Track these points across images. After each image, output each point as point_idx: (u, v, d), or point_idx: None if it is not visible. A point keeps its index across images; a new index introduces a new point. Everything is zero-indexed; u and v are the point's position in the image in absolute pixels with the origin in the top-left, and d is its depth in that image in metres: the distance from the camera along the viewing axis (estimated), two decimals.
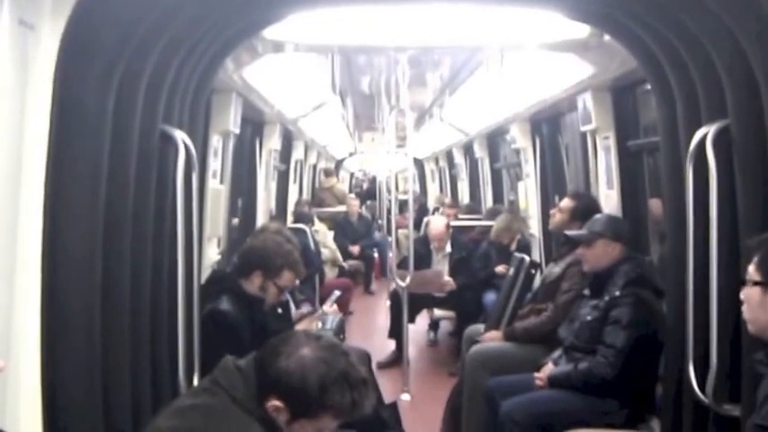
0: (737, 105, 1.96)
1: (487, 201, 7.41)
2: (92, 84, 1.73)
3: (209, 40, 2.26)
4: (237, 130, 3.82)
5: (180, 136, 2.24)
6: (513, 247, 5.14)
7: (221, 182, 3.81)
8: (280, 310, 3.25)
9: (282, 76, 3.85)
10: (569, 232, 3.10)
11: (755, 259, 1.63)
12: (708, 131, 2.08)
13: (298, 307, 3.90)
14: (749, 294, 1.66)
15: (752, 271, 1.64)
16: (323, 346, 1.61)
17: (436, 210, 9.09)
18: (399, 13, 2.89)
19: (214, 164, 3.64)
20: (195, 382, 2.36)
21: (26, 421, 1.62)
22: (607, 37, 2.64)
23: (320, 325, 3.29)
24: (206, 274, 3.22)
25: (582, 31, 2.76)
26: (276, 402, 1.55)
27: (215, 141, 3.60)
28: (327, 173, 10.65)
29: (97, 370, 1.80)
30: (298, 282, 3.75)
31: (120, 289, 1.94)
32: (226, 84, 3.41)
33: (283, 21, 2.52)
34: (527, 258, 3.96)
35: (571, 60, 3.16)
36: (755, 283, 1.63)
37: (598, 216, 3.09)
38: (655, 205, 3.50)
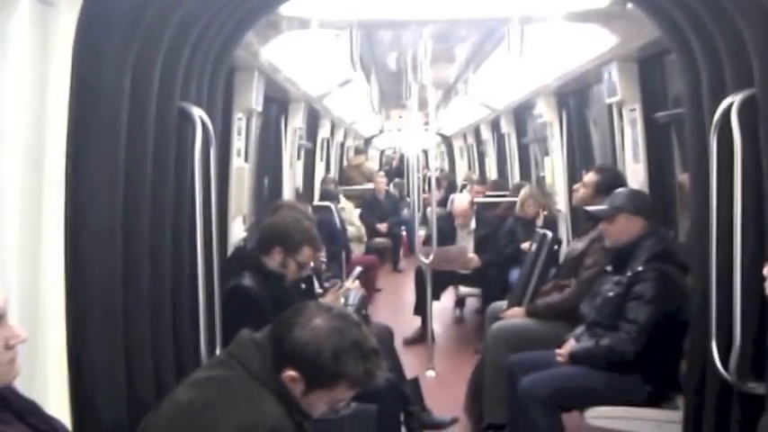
0: (764, 74, 1.88)
1: (515, 176, 7.33)
2: (109, 59, 1.74)
3: (225, 16, 2.26)
4: (260, 109, 3.84)
5: (197, 113, 2.25)
6: (540, 222, 5.10)
7: (246, 160, 3.84)
8: (303, 286, 3.28)
9: (304, 53, 3.84)
10: (589, 207, 3.05)
11: None
12: (733, 101, 2.01)
13: (322, 284, 3.93)
14: None
15: None
16: (335, 315, 1.64)
17: (464, 186, 9.04)
18: None
19: (238, 142, 3.67)
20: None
21: (53, 391, 1.67)
22: (630, 5, 2.56)
23: (342, 300, 3.32)
24: (232, 250, 3.27)
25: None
26: (292, 373, 1.58)
27: (238, 120, 3.63)
28: (358, 151, 10.67)
29: (120, 342, 1.84)
30: (324, 258, 3.78)
31: (140, 264, 1.97)
32: (248, 62, 3.42)
33: None
34: (549, 234, 3.92)
35: (595, 31, 3.09)
36: None
37: (620, 190, 3.02)
38: (686, 180, 3.42)
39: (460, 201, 5.59)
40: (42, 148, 1.63)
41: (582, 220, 3.77)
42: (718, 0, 1.92)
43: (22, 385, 1.39)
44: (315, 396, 1.61)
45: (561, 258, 3.92)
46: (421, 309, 5.11)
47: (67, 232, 1.70)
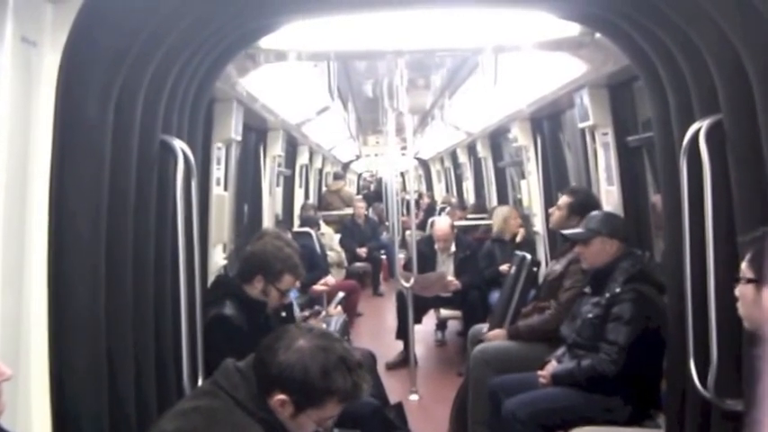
0: (729, 100, 1.95)
1: (492, 199, 7.42)
2: (92, 97, 1.77)
3: (205, 51, 2.30)
4: (239, 138, 3.86)
5: (179, 145, 2.27)
6: (518, 241, 5.17)
7: (225, 189, 3.85)
8: (284, 314, 3.28)
9: (281, 83, 3.89)
10: (566, 231, 3.11)
11: (747, 256, 1.63)
12: (701, 126, 2.08)
13: (302, 310, 3.93)
14: (743, 291, 1.66)
15: (744, 268, 1.64)
16: (317, 335, 1.67)
17: (443, 209, 9.10)
18: (394, 19, 2.92)
19: (218, 171, 3.68)
20: (200, 384, 2.39)
21: (37, 425, 1.67)
22: (599, 35, 2.65)
23: (324, 327, 3.32)
24: (213, 278, 3.26)
25: (573, 29, 2.78)
26: (281, 396, 1.60)
27: (218, 149, 3.65)
28: (336, 176, 10.71)
29: (103, 373, 1.84)
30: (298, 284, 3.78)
31: (123, 295, 1.98)
32: (226, 93, 3.45)
33: (279, 30, 2.55)
34: (528, 256, 3.98)
35: (566, 59, 3.17)
36: (749, 281, 1.63)
37: (594, 213, 3.09)
38: (659, 201, 3.50)
39: (441, 224, 5.60)
40: (26, 181, 1.65)
41: (559, 241, 3.83)
42: (683, 31, 2.00)
43: (5, 420, 1.38)
44: (305, 416, 1.63)
45: (540, 280, 3.97)
46: (403, 332, 5.12)
47: (51, 263, 1.71)
